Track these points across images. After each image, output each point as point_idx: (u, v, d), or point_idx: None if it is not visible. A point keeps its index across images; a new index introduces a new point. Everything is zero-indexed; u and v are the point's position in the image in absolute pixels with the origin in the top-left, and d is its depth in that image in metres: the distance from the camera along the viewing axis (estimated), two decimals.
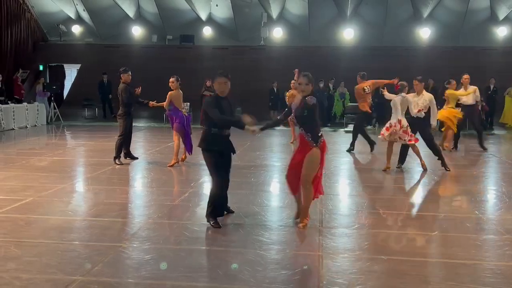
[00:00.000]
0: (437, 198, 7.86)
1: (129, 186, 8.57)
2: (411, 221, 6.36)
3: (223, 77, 5.84)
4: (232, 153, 6.00)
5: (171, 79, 9.94)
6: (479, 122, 13.23)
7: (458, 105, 12.20)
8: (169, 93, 9.84)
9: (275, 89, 20.23)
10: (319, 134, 5.77)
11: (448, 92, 11.95)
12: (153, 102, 10.27)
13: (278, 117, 6.36)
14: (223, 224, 5.87)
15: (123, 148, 10.28)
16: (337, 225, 6.00)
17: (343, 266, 4.72)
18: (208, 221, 5.88)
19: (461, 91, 12.24)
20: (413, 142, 9.34)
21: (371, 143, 12.05)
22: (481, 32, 23.90)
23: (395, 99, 9.35)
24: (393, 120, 9.38)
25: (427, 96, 9.51)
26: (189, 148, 9.92)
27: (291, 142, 13.65)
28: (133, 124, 10.50)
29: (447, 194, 8.13)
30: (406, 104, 9.31)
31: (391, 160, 9.56)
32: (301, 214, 5.94)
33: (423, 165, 9.58)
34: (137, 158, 10.55)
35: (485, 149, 12.65)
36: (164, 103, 9.93)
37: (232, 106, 5.98)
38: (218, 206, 5.94)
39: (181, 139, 9.88)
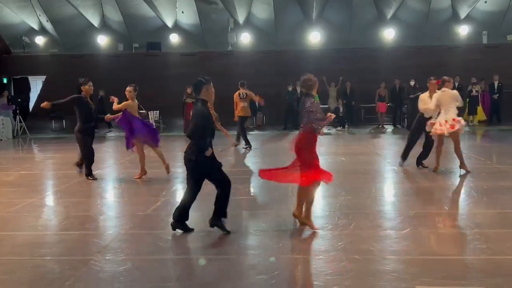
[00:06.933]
0: (407, 196, 7.96)
1: (100, 197, 8.42)
2: (383, 220, 6.42)
3: (211, 83, 5.78)
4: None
5: (128, 88, 9.30)
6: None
7: None
8: (125, 103, 9.30)
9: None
10: None
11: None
12: (109, 115, 9.57)
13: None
14: (196, 231, 5.82)
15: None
16: None
17: (318, 267, 4.73)
18: (174, 229, 5.84)
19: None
20: None
21: (248, 143, 13.61)
22: (444, 31, 24.45)
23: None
24: None
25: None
26: (156, 140, 9.55)
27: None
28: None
29: (416, 191, 8.24)
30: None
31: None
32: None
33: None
34: (95, 179, 9.43)
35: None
36: (118, 109, 9.31)
37: None
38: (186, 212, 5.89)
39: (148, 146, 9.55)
